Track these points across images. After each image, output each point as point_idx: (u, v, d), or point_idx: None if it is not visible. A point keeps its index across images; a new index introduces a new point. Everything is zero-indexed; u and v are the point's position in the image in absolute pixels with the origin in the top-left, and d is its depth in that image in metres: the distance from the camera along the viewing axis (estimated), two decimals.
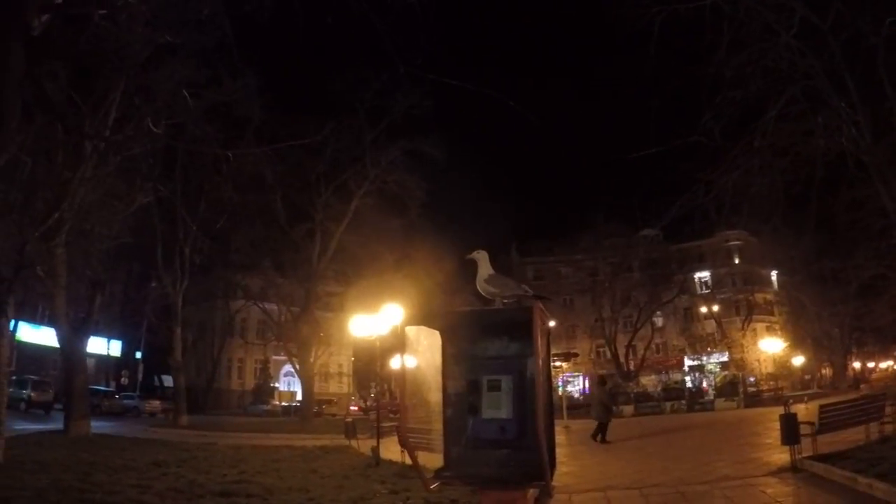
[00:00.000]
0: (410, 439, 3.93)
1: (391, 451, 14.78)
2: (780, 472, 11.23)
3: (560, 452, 18.35)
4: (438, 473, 3.85)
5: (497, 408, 3.71)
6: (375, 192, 35.57)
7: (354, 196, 34.69)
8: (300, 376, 38.84)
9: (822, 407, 12.36)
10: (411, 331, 3.87)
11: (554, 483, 3.65)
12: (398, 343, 3.85)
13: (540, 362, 3.59)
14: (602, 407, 20.42)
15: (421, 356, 3.94)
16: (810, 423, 11.93)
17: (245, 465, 13.87)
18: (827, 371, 63.46)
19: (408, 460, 13.46)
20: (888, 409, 14.04)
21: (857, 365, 68.09)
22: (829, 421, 12.18)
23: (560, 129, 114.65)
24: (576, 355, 43.60)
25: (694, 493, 10.17)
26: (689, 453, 15.91)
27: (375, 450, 15.03)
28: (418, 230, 35.76)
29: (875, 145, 15.21)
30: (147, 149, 22.97)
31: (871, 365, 75.36)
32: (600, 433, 19.68)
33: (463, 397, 3.85)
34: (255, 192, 33.41)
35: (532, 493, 3.69)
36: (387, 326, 16.60)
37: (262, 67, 37.08)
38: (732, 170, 15.89)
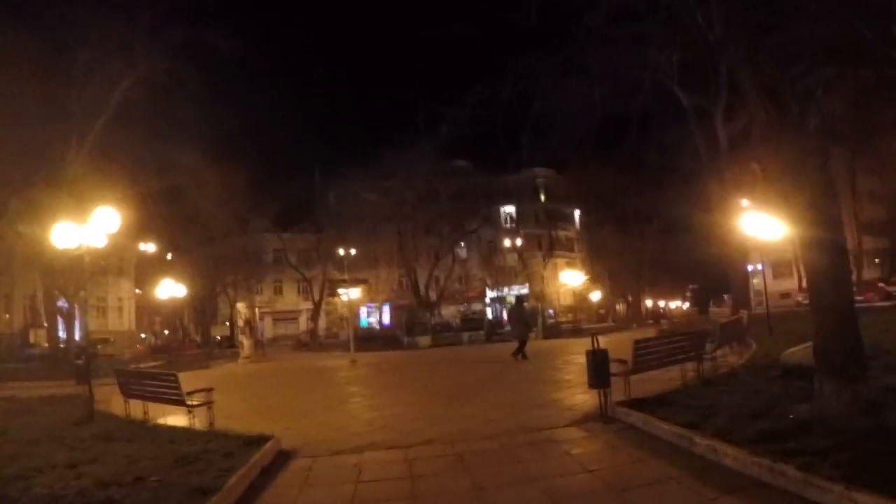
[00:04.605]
0: None
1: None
2: (586, 420, 8.90)
3: (332, 395, 15.24)
4: None
5: None
6: (147, 84, 30.13)
7: (117, 87, 29.23)
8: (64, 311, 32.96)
9: (637, 342, 10.02)
10: None
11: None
12: None
13: None
14: (522, 325, 21.69)
15: None
16: (622, 362, 9.71)
17: None
18: (621, 307, 65.42)
19: (134, 413, 11.53)
20: (708, 347, 12.24)
21: (649, 302, 70.91)
22: (644, 359, 10.00)
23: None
24: (364, 281, 40.73)
25: (476, 452, 7.57)
26: (479, 391, 13.55)
27: (89, 401, 11.97)
28: (212, 146, 31.13)
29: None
30: None
31: (661, 303, 78.78)
32: (520, 351, 20.29)
33: None
34: None
35: None
36: (100, 235, 12.61)
37: None
38: (543, 61, 13.39)
